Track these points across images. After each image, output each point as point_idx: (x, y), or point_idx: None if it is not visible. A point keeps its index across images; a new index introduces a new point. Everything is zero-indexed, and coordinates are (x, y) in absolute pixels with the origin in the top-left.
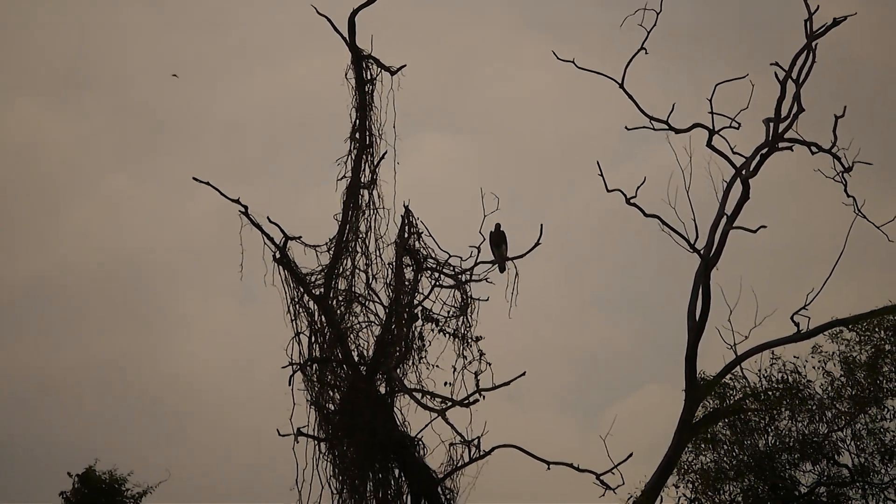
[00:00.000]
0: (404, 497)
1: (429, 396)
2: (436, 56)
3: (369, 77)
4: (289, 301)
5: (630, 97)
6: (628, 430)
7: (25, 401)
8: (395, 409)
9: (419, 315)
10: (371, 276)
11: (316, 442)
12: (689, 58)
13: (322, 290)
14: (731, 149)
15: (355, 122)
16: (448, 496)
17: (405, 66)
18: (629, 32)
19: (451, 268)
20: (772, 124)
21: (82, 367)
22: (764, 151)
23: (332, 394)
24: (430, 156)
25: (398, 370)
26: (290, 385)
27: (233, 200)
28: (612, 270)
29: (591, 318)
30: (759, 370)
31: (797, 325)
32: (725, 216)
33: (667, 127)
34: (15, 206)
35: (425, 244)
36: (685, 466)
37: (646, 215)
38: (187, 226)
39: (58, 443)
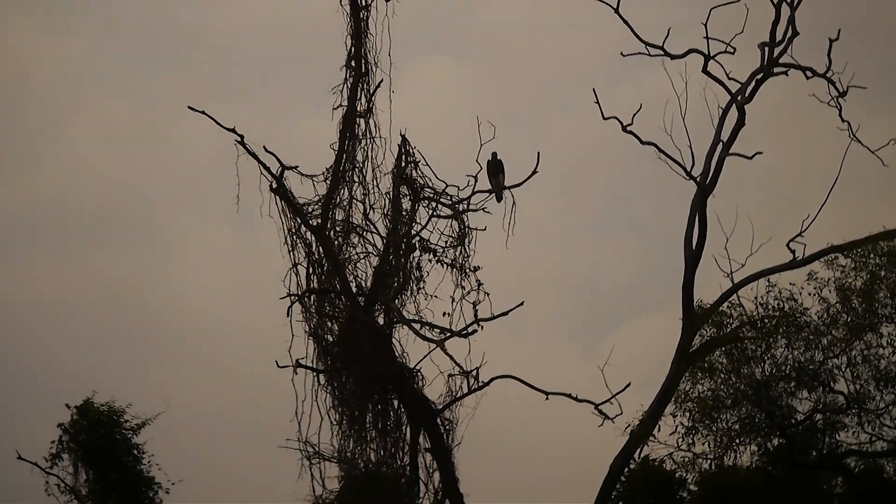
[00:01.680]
0: (403, 428)
1: (427, 327)
2: None
3: (364, 3)
4: (286, 232)
5: (625, 22)
6: (627, 358)
7: (20, 330)
8: (393, 340)
9: (417, 245)
10: (368, 207)
11: (315, 373)
12: None
13: (319, 220)
14: (727, 74)
15: (351, 49)
16: (447, 427)
17: None
18: None
19: (449, 197)
20: (767, 49)
21: (77, 294)
22: (759, 76)
23: (330, 325)
24: (427, 81)
25: (396, 301)
26: (288, 316)
27: (229, 130)
28: (610, 198)
29: (590, 245)
30: (756, 298)
31: (793, 252)
32: (721, 143)
33: (662, 53)
34: (9, 130)
35: (422, 173)
36: (682, 395)
37: (642, 143)
38: (183, 151)
39: (54, 371)
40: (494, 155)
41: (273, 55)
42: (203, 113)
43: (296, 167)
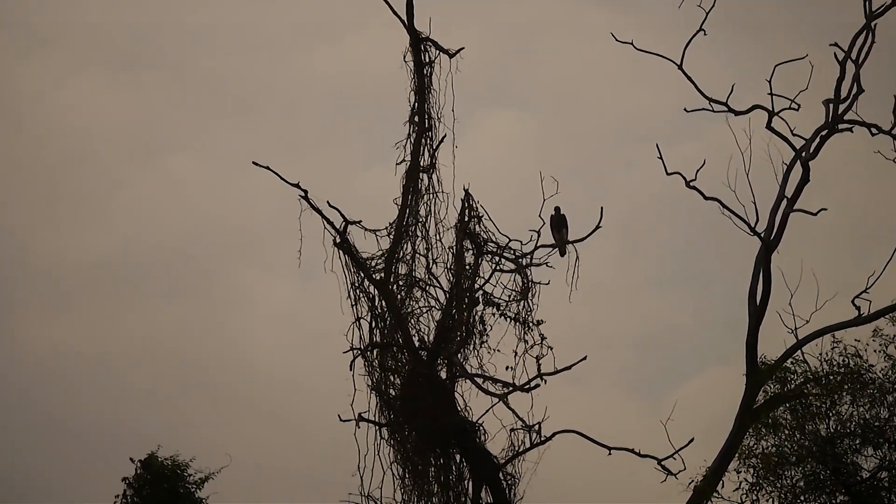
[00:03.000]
0: (466, 482)
1: (490, 381)
2: (496, 31)
3: (428, 60)
4: (349, 286)
5: (689, 78)
6: (690, 413)
7: (88, 382)
8: (455, 394)
9: (480, 299)
10: (431, 261)
11: (377, 427)
12: (749, 38)
13: (382, 274)
14: (791, 130)
15: (414, 105)
16: (509, 481)
17: (463, 48)
18: (691, 9)
19: (512, 251)
20: (831, 105)
21: (142, 347)
22: (824, 133)
23: (392, 379)
24: (490, 134)
25: (459, 355)
26: (351, 370)
27: (292, 185)
28: (673, 252)
29: (653, 299)
30: (820, 354)
31: (858, 308)
32: (785, 199)
33: (726, 109)
34: (76, 185)
35: (485, 228)
36: (746, 451)
37: (706, 198)
38: (248, 205)
39: (119, 425)
40: (557, 210)
41: (338, 110)
42: (267, 168)
43: (359, 222)
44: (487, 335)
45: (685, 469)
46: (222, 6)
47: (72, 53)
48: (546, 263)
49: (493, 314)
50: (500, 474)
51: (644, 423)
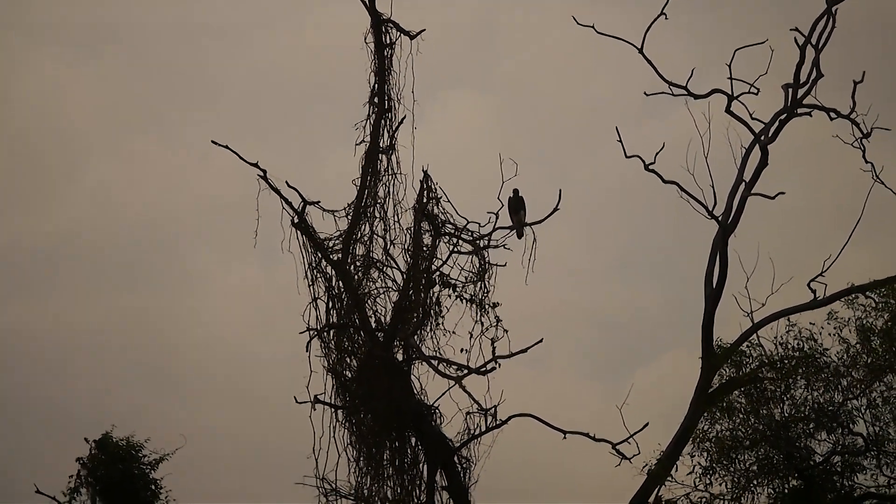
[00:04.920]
0: (421, 465)
1: (446, 364)
2: (458, 12)
3: (388, 41)
4: (307, 266)
5: (649, 62)
6: (648, 397)
7: (41, 364)
8: (412, 376)
9: (437, 281)
10: (389, 242)
11: (333, 410)
12: (709, 22)
13: (340, 255)
14: (750, 114)
15: (374, 86)
16: (464, 465)
17: (424, 30)
18: None
19: (469, 233)
20: (791, 90)
21: (98, 327)
22: (783, 117)
23: (349, 361)
24: (450, 116)
25: (416, 337)
26: (307, 351)
27: (251, 164)
28: (632, 235)
29: (611, 282)
30: (776, 338)
31: (814, 292)
32: (744, 182)
33: (686, 92)
34: (36, 164)
35: (443, 209)
36: (701, 435)
37: (664, 182)
38: (208, 186)
39: (74, 405)
40: (516, 192)
41: (297, 91)
42: (226, 147)
43: (317, 202)
44: (444, 317)
45: (640, 453)
46: None
47: (32, 33)
48: (503, 245)
49: (450, 296)
50: (456, 458)
51: (602, 408)
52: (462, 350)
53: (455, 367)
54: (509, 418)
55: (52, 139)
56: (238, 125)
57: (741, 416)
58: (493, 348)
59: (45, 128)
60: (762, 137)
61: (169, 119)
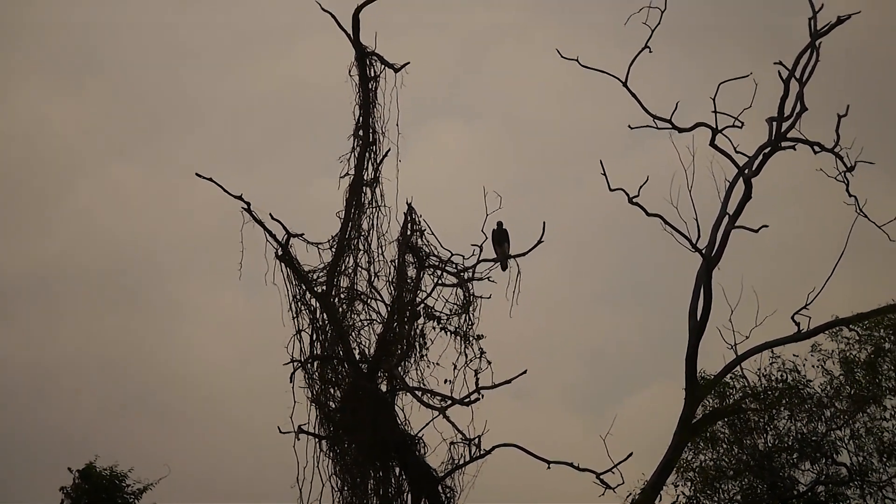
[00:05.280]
0: (405, 496)
1: (430, 395)
2: (445, 45)
3: (373, 74)
4: (291, 298)
5: (633, 95)
6: (633, 427)
7: (24, 393)
8: (396, 407)
9: (421, 313)
10: (373, 274)
11: (317, 440)
12: (694, 55)
13: (324, 287)
14: (734, 148)
15: (359, 119)
16: (448, 495)
17: (409, 63)
18: (637, 26)
19: (454, 265)
20: (775, 123)
21: (82, 359)
22: (767, 150)
23: (333, 392)
24: (436, 147)
25: (400, 368)
26: (291, 382)
27: (235, 197)
28: (616, 267)
29: (596, 314)
30: (759, 369)
31: (798, 324)
32: (727, 215)
33: (670, 126)
34: (18, 192)
35: (427, 242)
36: (685, 465)
37: (648, 214)
38: (191, 216)
39: (58, 436)
40: (500, 224)
41: (284, 122)
42: (210, 180)
43: (301, 234)
44: (428, 349)
45: (623, 483)
46: (169, 15)
47: (15, 60)
48: (488, 278)
49: (434, 328)
50: (440, 488)
51: (587, 438)
52: (446, 381)
53: (439, 397)
54: (493, 448)
55: (37, 167)
56: (223, 154)
57: (725, 446)
58: (477, 379)
59: (29, 156)
60: (746, 171)
61: (154, 148)
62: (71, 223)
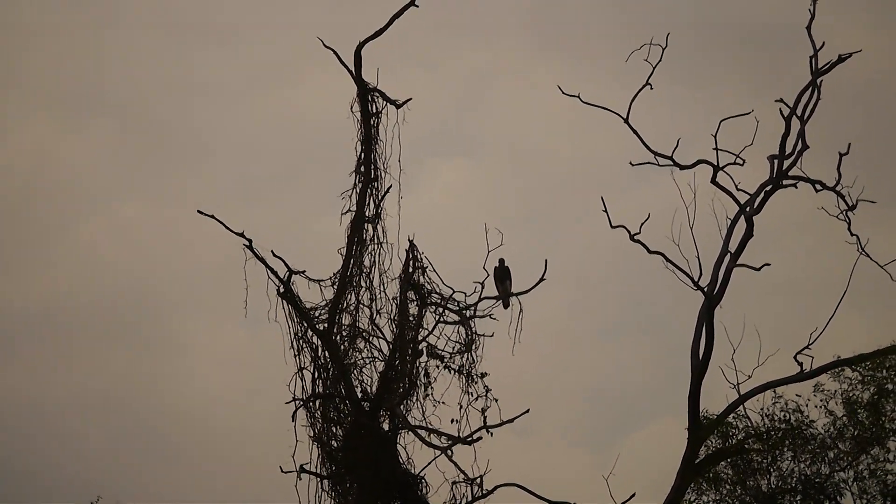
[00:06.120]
0: None
1: (433, 433)
2: (447, 81)
3: (375, 110)
4: (292, 336)
5: (635, 132)
6: (635, 465)
7: (25, 431)
8: (398, 446)
9: (423, 351)
10: (375, 312)
11: (319, 479)
12: (695, 92)
13: (326, 324)
14: (736, 185)
15: (360, 155)
16: None
17: (410, 99)
18: (638, 63)
19: (456, 303)
20: (776, 161)
21: (85, 396)
22: (768, 188)
23: (335, 430)
24: (438, 184)
25: (402, 407)
26: (293, 421)
27: (237, 234)
28: (619, 304)
29: (598, 351)
30: (762, 409)
31: (800, 364)
32: (729, 253)
33: (671, 163)
34: (22, 227)
35: (429, 279)
36: None
37: (649, 252)
38: (195, 252)
39: (60, 473)
40: (502, 262)
41: (285, 158)
42: (212, 217)
43: (303, 272)
44: (431, 387)
45: None
46: (173, 52)
47: (20, 98)
48: (490, 315)
49: (437, 366)
50: None
51: (590, 476)
52: (452, 420)
53: (443, 436)
54: (495, 488)
55: (41, 203)
56: (225, 190)
57: (728, 486)
58: (484, 418)
59: (33, 192)
60: (748, 208)
61: (158, 183)
62: (75, 259)
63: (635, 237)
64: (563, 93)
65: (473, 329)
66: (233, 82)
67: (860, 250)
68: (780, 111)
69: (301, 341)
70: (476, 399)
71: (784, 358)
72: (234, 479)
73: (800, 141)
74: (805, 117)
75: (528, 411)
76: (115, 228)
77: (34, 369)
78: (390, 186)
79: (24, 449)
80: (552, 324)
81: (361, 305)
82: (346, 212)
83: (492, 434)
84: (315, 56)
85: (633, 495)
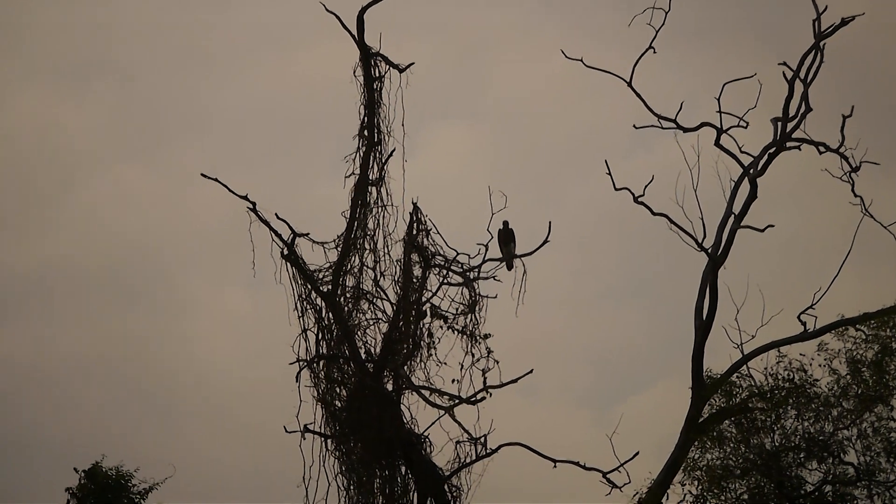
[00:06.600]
0: (411, 494)
1: (436, 394)
2: (450, 45)
3: (378, 74)
4: (296, 298)
5: (638, 95)
6: (639, 425)
7: (30, 392)
8: (402, 406)
9: (427, 312)
10: (379, 274)
11: (323, 439)
12: (699, 56)
13: (330, 286)
14: (739, 148)
15: (364, 119)
16: (454, 493)
17: (413, 63)
18: (641, 27)
19: (459, 265)
20: (780, 123)
21: (88, 357)
22: (772, 151)
23: (339, 391)
24: (441, 148)
25: (406, 367)
26: (297, 382)
27: (241, 197)
28: (622, 266)
29: (602, 313)
30: (766, 368)
31: (804, 324)
32: (733, 215)
33: (675, 126)
34: (25, 192)
35: (433, 241)
36: (691, 464)
37: (654, 214)
38: (198, 215)
39: (64, 436)
40: (506, 224)
41: (289, 122)
42: (216, 180)
43: (307, 234)
44: (435, 348)
45: (630, 482)
46: (175, 17)
47: (25, 62)
48: (493, 277)
49: (441, 327)
50: (446, 486)
51: (593, 436)
52: (454, 381)
53: (446, 396)
54: (499, 447)
55: (44, 167)
56: (228, 154)
57: (732, 445)
58: (485, 378)
59: (34, 157)
60: (751, 170)
61: (160, 148)
62: (76, 223)
63: (639, 199)
64: (567, 57)
65: (477, 291)
66: (235, 47)
67: (864, 211)
68: (784, 74)
69: (305, 303)
70: (478, 360)
71: (788, 318)
72: (238, 439)
73: (803, 103)
74: (808, 80)
75: (531, 372)
76: (118, 192)
77: (36, 332)
78: (394, 150)
79: (27, 410)
80: (556, 286)
81: (365, 267)
82: (350, 175)
83: (491, 394)
84: (318, 21)
85: (637, 454)
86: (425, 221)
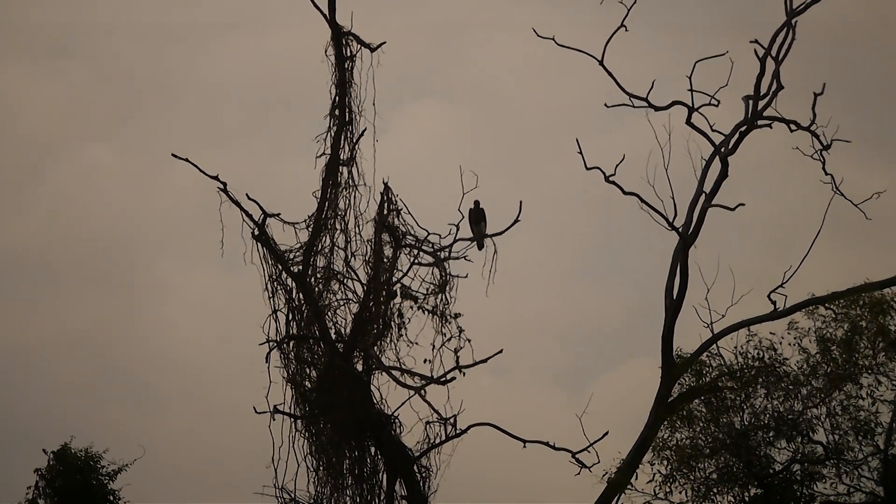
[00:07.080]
0: (380, 475)
1: (406, 374)
2: (421, 25)
3: (349, 54)
4: (267, 278)
5: (610, 74)
6: (609, 405)
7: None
8: (372, 386)
9: (398, 292)
10: (350, 254)
11: (292, 419)
12: (670, 34)
13: (300, 267)
14: (711, 126)
15: (335, 98)
16: (424, 474)
17: (385, 43)
18: (613, 5)
19: (430, 245)
20: (751, 102)
21: (57, 339)
22: (743, 129)
23: (309, 371)
24: (413, 127)
25: (376, 348)
26: (267, 362)
27: (211, 177)
28: (593, 246)
29: (573, 292)
30: (736, 348)
31: (774, 303)
32: (704, 194)
33: (647, 104)
34: None
35: (404, 221)
36: (661, 443)
37: (625, 193)
38: (168, 196)
39: (32, 418)
40: (477, 203)
41: (259, 102)
42: (186, 160)
43: (278, 214)
44: (405, 328)
45: (599, 462)
46: None
47: None
48: (464, 257)
49: (411, 307)
50: (415, 467)
51: (564, 416)
52: (426, 361)
53: (416, 377)
54: (469, 427)
55: (10, 149)
56: (198, 134)
57: (701, 424)
58: (457, 358)
59: (2, 136)
60: (722, 149)
61: (130, 128)
62: (46, 204)
63: (610, 179)
64: (539, 35)
65: (448, 270)
66: (204, 26)
67: (835, 189)
68: (755, 52)
69: (275, 283)
70: (449, 339)
71: (758, 297)
72: (208, 420)
73: (775, 81)
74: (780, 58)
75: (501, 351)
76: (87, 173)
77: (6, 314)
78: (365, 129)
79: None
80: (526, 265)
81: (336, 247)
82: (321, 155)
83: (464, 374)
84: (286, 1)
85: (607, 433)
86: (396, 201)
